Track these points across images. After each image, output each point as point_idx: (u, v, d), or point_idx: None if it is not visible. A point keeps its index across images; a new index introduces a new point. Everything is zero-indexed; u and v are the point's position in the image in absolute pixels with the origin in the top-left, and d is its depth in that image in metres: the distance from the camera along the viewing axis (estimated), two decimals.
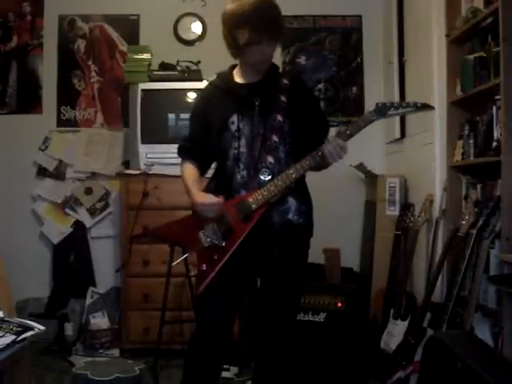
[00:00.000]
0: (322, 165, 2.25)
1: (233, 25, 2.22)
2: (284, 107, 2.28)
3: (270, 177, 2.23)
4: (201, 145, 2.38)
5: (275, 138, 2.25)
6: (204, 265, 2.23)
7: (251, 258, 2.28)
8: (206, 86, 2.45)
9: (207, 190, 2.34)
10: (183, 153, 2.44)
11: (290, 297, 2.35)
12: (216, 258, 2.21)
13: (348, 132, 2.19)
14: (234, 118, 2.28)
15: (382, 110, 2.18)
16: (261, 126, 2.27)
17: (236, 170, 2.27)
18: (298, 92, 2.36)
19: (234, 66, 2.40)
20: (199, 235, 2.26)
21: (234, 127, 2.27)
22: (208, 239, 2.24)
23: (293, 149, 2.29)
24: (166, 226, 2.55)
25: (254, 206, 2.20)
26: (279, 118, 2.26)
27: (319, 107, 2.55)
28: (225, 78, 2.38)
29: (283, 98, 2.29)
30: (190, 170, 2.37)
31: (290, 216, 2.29)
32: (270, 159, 2.24)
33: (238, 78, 2.36)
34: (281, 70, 2.49)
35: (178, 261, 2.46)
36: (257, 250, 2.27)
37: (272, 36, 2.23)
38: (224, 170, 2.31)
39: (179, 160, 2.46)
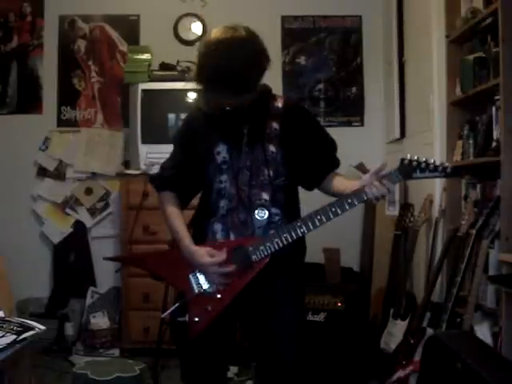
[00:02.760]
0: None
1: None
2: (277, 136, 2.02)
3: (266, 215, 1.98)
4: (185, 175, 2.10)
5: (268, 172, 2.00)
6: (196, 318, 1.99)
7: (241, 303, 2.02)
8: (192, 111, 2.19)
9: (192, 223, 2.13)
10: (163, 182, 2.13)
11: (294, 331, 2.08)
12: (210, 309, 1.97)
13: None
14: (221, 148, 2.02)
15: (406, 171, 1.89)
16: (249, 158, 2.01)
17: (219, 206, 2.02)
18: (293, 117, 2.07)
19: None
20: (189, 279, 2.01)
21: (219, 158, 2.02)
22: (201, 289, 1.99)
23: (289, 182, 2.05)
24: (150, 255, 2.26)
25: (253, 258, 1.94)
26: (272, 148, 2.01)
27: (322, 130, 2.16)
28: (211, 102, 2.01)
29: (275, 125, 2.03)
30: (174, 208, 2.10)
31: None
32: (265, 196, 1.99)
33: None
34: (274, 92, 2.12)
35: (170, 310, 2.06)
36: (245, 293, 1.98)
37: (220, 88, 1.87)
38: (207, 203, 2.07)
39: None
